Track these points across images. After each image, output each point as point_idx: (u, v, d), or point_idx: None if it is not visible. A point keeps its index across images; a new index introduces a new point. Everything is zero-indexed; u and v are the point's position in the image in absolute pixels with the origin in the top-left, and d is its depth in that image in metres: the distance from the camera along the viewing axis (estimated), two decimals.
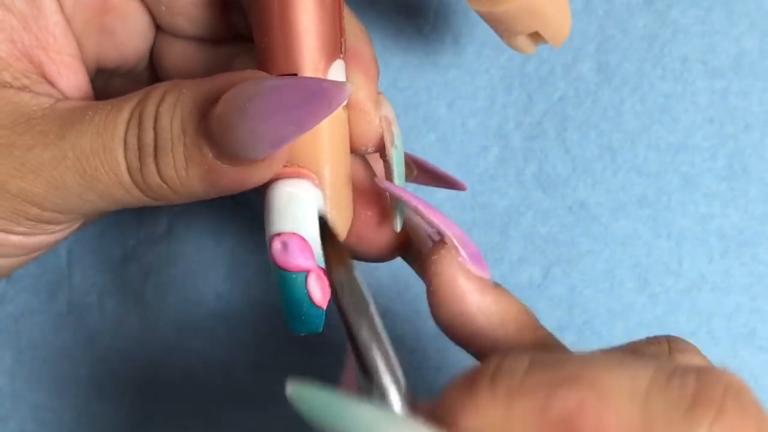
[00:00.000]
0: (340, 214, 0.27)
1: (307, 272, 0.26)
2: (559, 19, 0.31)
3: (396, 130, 0.29)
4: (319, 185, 0.26)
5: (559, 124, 0.37)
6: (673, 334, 0.36)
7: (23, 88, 0.27)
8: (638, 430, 0.19)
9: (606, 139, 0.37)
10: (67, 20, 0.29)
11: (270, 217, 0.26)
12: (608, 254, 0.37)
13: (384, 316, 0.37)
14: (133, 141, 0.25)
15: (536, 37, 0.32)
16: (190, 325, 0.38)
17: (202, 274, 0.38)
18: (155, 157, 0.25)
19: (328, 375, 0.38)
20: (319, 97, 0.23)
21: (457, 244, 0.26)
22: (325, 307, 0.26)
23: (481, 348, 0.27)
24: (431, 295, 0.26)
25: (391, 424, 0.21)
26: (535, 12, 0.30)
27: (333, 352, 0.38)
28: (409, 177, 0.32)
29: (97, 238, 0.38)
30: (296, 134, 0.23)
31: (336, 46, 0.27)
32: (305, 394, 0.22)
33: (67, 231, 0.29)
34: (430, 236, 0.28)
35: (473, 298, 0.26)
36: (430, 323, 0.38)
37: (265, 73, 0.25)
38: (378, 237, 0.29)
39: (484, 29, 0.37)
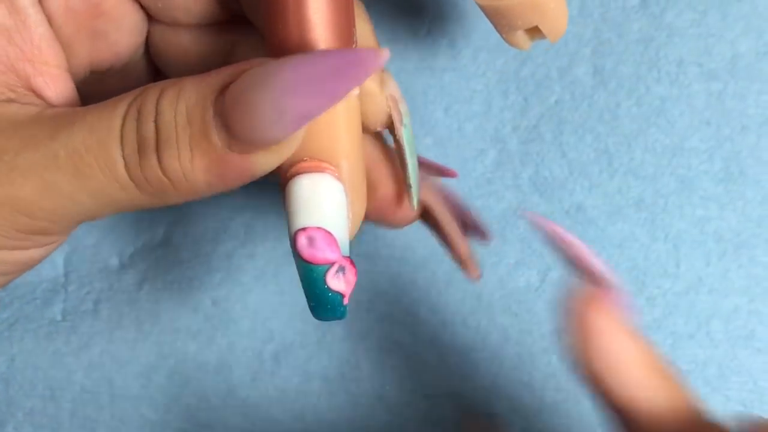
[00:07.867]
0: (358, 203, 0.27)
1: (331, 264, 0.26)
2: (558, 13, 0.31)
3: (404, 107, 0.28)
4: (339, 177, 0.26)
5: (555, 127, 0.37)
6: (671, 336, 0.36)
7: (9, 101, 0.26)
8: None
9: (602, 142, 0.37)
10: (57, 30, 0.28)
11: (294, 211, 0.26)
12: (605, 257, 0.37)
13: (382, 320, 0.37)
14: (131, 135, 0.24)
15: (534, 32, 0.32)
16: (185, 331, 0.38)
17: (198, 279, 0.38)
18: (157, 149, 0.24)
19: (326, 377, 0.38)
20: (354, 64, 0.22)
21: (614, 292, 0.26)
22: (347, 295, 0.26)
23: (611, 395, 0.26)
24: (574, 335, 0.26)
25: None
26: (537, 6, 0.30)
27: (332, 354, 0.38)
28: None
29: (95, 247, 0.38)
30: (325, 107, 0.23)
31: (350, 37, 0.26)
32: None
33: (56, 245, 0.28)
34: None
35: (614, 344, 0.25)
36: (428, 327, 0.38)
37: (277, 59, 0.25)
38: (397, 212, 0.29)
39: (479, 33, 0.37)
